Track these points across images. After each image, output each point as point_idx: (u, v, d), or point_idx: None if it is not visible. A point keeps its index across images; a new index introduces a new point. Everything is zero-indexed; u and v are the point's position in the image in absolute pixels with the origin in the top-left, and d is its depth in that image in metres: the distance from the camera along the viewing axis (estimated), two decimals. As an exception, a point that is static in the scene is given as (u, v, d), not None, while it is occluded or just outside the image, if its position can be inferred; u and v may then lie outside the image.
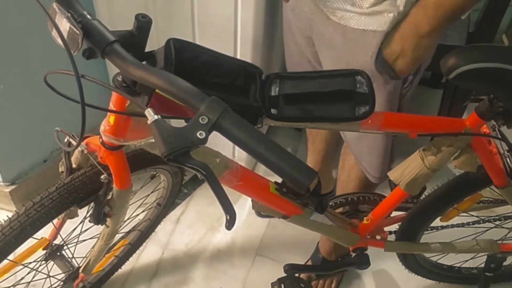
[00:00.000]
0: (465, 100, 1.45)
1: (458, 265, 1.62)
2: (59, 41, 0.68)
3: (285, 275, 1.20)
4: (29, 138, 1.66)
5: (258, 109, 0.85)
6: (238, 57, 1.43)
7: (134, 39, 0.74)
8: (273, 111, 0.86)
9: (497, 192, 1.19)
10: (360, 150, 1.29)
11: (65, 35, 0.69)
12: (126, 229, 1.46)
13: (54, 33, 0.69)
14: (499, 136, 1.05)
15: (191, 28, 1.48)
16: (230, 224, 0.61)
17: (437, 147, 1.02)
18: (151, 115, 0.63)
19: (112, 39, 0.70)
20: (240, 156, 1.83)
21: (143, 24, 0.74)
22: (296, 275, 1.20)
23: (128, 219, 1.39)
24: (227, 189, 0.90)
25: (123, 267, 1.60)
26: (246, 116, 0.80)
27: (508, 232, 1.47)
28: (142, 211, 1.46)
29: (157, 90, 0.75)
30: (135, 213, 1.41)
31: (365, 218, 1.25)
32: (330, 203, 1.33)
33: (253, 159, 1.91)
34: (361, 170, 1.35)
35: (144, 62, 0.71)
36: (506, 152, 1.10)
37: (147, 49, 0.78)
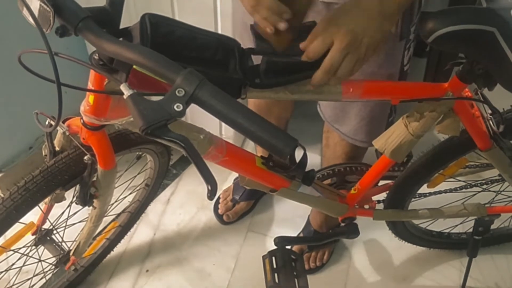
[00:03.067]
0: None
1: (447, 230, 1.64)
2: (30, 19, 0.67)
3: (276, 248, 1.21)
4: (13, 126, 1.65)
5: (239, 81, 0.85)
6: (219, 32, 1.42)
7: (108, 15, 0.73)
8: (256, 80, 0.85)
9: (482, 156, 1.20)
10: (346, 122, 1.28)
11: (36, 13, 0.68)
12: (116, 212, 1.46)
13: (25, 11, 0.68)
14: (482, 99, 1.05)
15: (170, 3, 1.46)
16: (211, 194, 0.61)
17: (420, 112, 1.02)
18: (126, 89, 0.62)
19: (84, 15, 0.69)
20: (227, 133, 1.83)
21: None
22: (288, 247, 1.20)
23: (117, 201, 1.39)
24: (215, 166, 0.91)
25: (115, 249, 1.60)
26: (228, 88, 0.80)
27: (496, 195, 1.48)
28: (131, 193, 1.45)
29: (134, 67, 0.74)
30: (123, 195, 1.41)
31: (352, 188, 1.26)
32: (318, 175, 1.34)
33: (241, 136, 1.91)
34: (347, 145, 1.35)
35: (120, 39, 0.71)
36: (488, 115, 1.11)
37: (127, 27, 0.78)
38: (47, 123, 0.98)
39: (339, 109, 1.26)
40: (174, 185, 1.90)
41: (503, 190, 1.46)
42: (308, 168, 0.96)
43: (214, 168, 0.96)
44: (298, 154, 0.87)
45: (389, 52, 1.09)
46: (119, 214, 1.49)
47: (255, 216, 1.81)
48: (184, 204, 1.84)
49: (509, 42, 0.85)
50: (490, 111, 1.10)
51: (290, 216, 1.79)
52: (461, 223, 1.61)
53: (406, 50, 1.11)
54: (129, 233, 1.62)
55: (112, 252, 1.60)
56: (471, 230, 1.43)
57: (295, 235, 1.71)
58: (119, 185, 1.28)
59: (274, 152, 0.64)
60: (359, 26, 0.79)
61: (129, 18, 0.76)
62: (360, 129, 1.27)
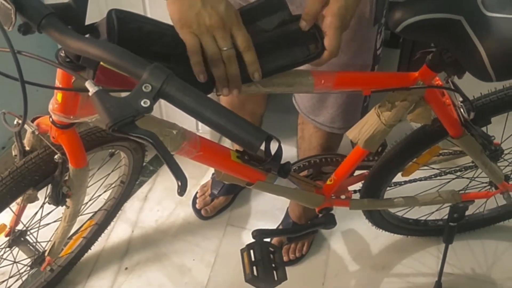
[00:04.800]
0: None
1: (424, 218, 1.66)
2: (-9, 17, 0.66)
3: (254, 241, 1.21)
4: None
5: (210, 76, 0.84)
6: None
7: (72, 11, 0.72)
8: None
9: (454, 144, 1.21)
10: (322, 112, 1.28)
11: (-4, 10, 0.66)
12: (92, 210, 1.44)
13: (-15, 9, 0.67)
14: (452, 87, 1.06)
15: (141, -2, 1.45)
16: (182, 190, 0.60)
17: (391, 102, 1.02)
18: (92, 86, 0.61)
19: (47, 12, 0.67)
20: (204, 129, 1.82)
21: None
22: (267, 240, 1.21)
23: (92, 199, 1.38)
24: (193, 161, 0.91)
25: (93, 248, 1.59)
26: (198, 84, 0.79)
27: (469, 182, 1.50)
28: (105, 191, 1.44)
29: (101, 63, 0.73)
30: (98, 192, 1.39)
31: (328, 179, 1.27)
32: (294, 167, 1.34)
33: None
34: (322, 136, 1.36)
35: (87, 36, 0.69)
36: (459, 102, 1.12)
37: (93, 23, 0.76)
38: (15, 122, 0.96)
39: (316, 100, 1.26)
40: (152, 181, 1.89)
41: (476, 177, 1.48)
42: (284, 160, 0.96)
43: (192, 163, 0.96)
44: (274, 147, 0.87)
45: (364, 39, 1.09)
46: (95, 213, 1.48)
47: (234, 210, 1.81)
48: (162, 201, 1.83)
49: (476, 30, 0.87)
50: (461, 99, 1.11)
51: (269, 209, 1.79)
52: (437, 210, 1.62)
53: (378, 34, 1.11)
54: (106, 231, 1.60)
55: (89, 251, 1.59)
56: (447, 217, 1.46)
57: (274, 227, 1.71)
58: (94, 183, 1.27)
59: (245, 146, 0.64)
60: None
61: (98, 14, 0.74)
62: (337, 116, 1.28)
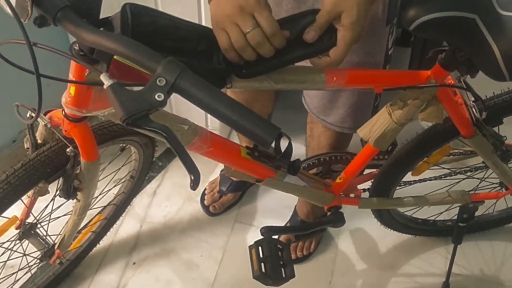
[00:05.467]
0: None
1: (432, 218, 1.65)
2: (8, 9, 0.66)
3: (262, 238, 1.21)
4: (-5, 120, 1.63)
5: (222, 71, 0.84)
6: (203, 24, 1.41)
7: (87, 5, 0.72)
8: (243, 71, 0.85)
9: (465, 143, 1.20)
10: (333, 113, 1.28)
11: (13, 2, 0.67)
12: (102, 204, 1.45)
13: (2, 1, 0.67)
14: (464, 86, 1.06)
15: (153, -7, 1.45)
16: (194, 184, 0.61)
17: (403, 100, 1.02)
18: (107, 79, 0.62)
19: (63, 5, 0.67)
20: (213, 125, 1.82)
21: None
22: (275, 237, 1.21)
23: (101, 193, 1.38)
24: (202, 157, 0.91)
25: (101, 242, 1.60)
26: (211, 78, 0.79)
27: (480, 182, 1.49)
28: (115, 185, 1.45)
29: (115, 57, 0.73)
30: (108, 187, 1.40)
31: (338, 177, 1.26)
32: (303, 165, 1.34)
33: (227, 128, 1.90)
34: (331, 135, 1.35)
35: (101, 29, 0.70)
36: (471, 102, 1.11)
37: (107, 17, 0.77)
38: (28, 115, 0.97)
39: (326, 100, 1.26)
40: (160, 177, 1.89)
41: (487, 177, 1.47)
42: (293, 158, 0.96)
43: (201, 160, 0.96)
44: (284, 144, 0.87)
45: (376, 39, 1.09)
46: (104, 207, 1.48)
47: (242, 207, 1.81)
48: (170, 196, 1.83)
49: (490, 29, 0.86)
50: (473, 98, 1.11)
51: (277, 207, 1.79)
52: (446, 210, 1.62)
53: (390, 34, 1.11)
54: (115, 226, 1.61)
55: (98, 245, 1.60)
56: (456, 217, 1.45)
57: (282, 225, 1.71)
58: (104, 178, 1.28)
59: (257, 141, 0.64)
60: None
61: (110, 8, 0.74)
62: (347, 116, 1.27)
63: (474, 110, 1.11)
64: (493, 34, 0.86)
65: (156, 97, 0.59)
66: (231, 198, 1.78)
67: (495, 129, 1.17)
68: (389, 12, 1.05)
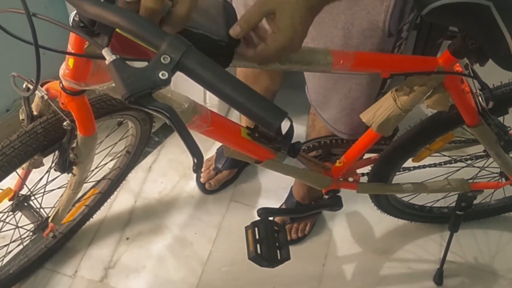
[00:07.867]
0: (439, 39, 1.43)
1: (429, 204, 1.65)
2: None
3: (259, 219, 1.20)
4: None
5: (228, 48, 0.81)
6: None
7: (90, -25, 0.69)
8: None
9: (468, 132, 1.19)
10: (327, 109, 1.26)
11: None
12: (96, 178, 1.43)
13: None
14: (472, 75, 1.04)
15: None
16: (197, 167, 0.59)
17: (410, 86, 1.00)
18: (109, 54, 0.59)
19: None
20: (212, 102, 1.79)
21: None
22: (271, 218, 1.19)
23: (97, 167, 1.36)
24: (198, 134, 0.89)
25: (95, 216, 1.58)
26: (216, 57, 0.76)
27: (479, 171, 1.49)
28: (111, 160, 1.42)
29: (117, 30, 0.70)
30: (104, 161, 1.38)
31: (337, 161, 1.25)
32: (303, 147, 1.32)
33: (226, 105, 1.87)
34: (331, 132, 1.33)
35: (103, 0, 0.67)
36: (478, 90, 1.09)
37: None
38: (24, 86, 0.94)
39: (322, 95, 1.24)
40: (156, 152, 1.87)
41: (486, 166, 1.46)
42: (293, 140, 0.94)
43: (197, 138, 0.93)
44: (285, 126, 0.85)
45: (376, 48, 1.04)
46: (99, 181, 1.46)
47: (238, 186, 1.79)
48: (166, 173, 1.81)
49: (505, 17, 0.83)
50: (479, 87, 1.09)
51: (273, 187, 1.78)
52: (443, 198, 1.61)
53: (396, 48, 1.07)
54: (109, 200, 1.59)
55: (91, 219, 1.58)
56: (453, 204, 1.44)
57: (278, 206, 1.71)
58: (100, 152, 1.25)
59: (263, 124, 0.61)
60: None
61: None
62: (340, 119, 1.26)
63: (480, 98, 1.09)
64: (507, 23, 0.84)
65: (160, 75, 0.57)
66: (226, 175, 1.76)
67: (500, 119, 1.16)
68: (390, 25, 0.99)
